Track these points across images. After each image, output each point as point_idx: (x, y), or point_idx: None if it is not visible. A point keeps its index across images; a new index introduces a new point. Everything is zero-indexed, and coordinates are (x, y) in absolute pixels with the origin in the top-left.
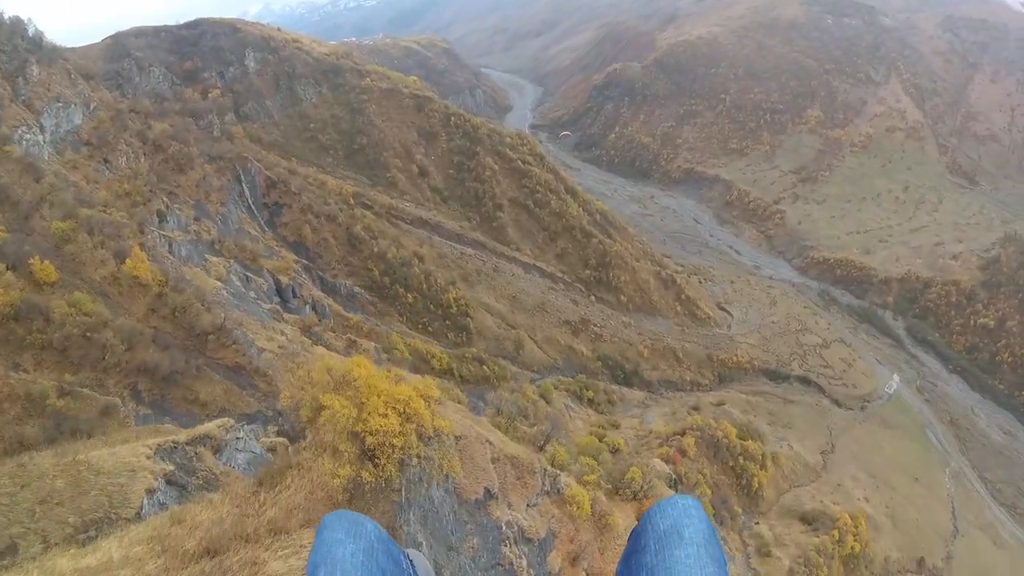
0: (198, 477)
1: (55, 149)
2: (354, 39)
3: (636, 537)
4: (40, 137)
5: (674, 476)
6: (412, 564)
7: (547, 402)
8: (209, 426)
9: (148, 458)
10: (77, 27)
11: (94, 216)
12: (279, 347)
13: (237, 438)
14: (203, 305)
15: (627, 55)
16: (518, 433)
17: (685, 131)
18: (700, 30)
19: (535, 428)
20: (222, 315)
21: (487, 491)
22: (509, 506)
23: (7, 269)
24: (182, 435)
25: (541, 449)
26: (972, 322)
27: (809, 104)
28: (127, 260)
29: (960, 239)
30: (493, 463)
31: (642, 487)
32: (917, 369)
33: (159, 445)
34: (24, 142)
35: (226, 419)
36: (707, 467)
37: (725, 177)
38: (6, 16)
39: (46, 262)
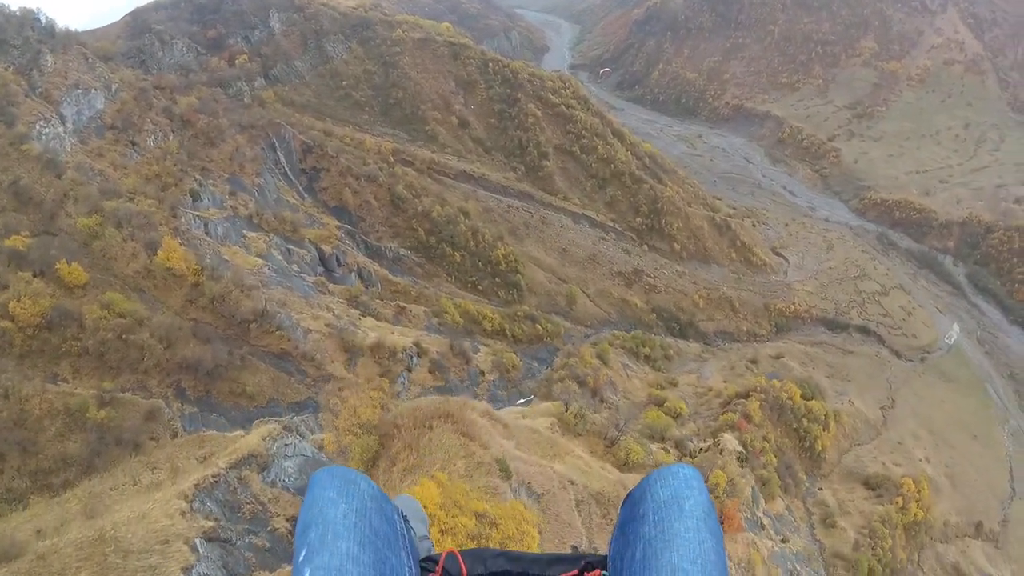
0: (243, 513)
1: (79, 138)
2: None
3: (633, 504)
4: (60, 128)
5: (744, 452)
6: (405, 520)
7: (604, 363)
8: (253, 440)
9: (183, 514)
10: (100, 12)
11: (120, 208)
12: (326, 325)
13: (285, 444)
14: (242, 291)
15: None
16: (587, 425)
17: (732, 65)
18: None
19: (604, 416)
20: (263, 299)
21: (574, 548)
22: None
23: (34, 276)
24: (223, 459)
25: (613, 444)
26: None
27: (862, 35)
28: (159, 251)
29: (1023, 181)
30: (577, 507)
31: (725, 491)
32: (978, 319)
33: (198, 485)
34: (44, 136)
35: (272, 426)
36: (771, 431)
37: (776, 113)
38: (13, 9)
39: (74, 264)
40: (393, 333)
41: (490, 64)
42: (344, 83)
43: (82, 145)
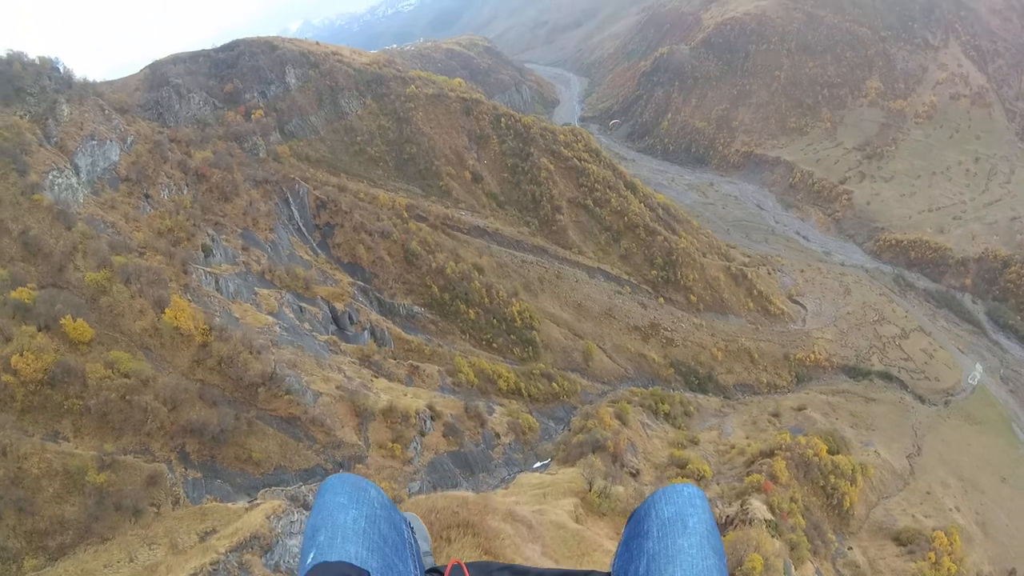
0: None
1: (92, 189)
2: (395, 46)
3: (638, 521)
4: (73, 179)
5: (774, 520)
6: (413, 532)
7: (624, 423)
8: (256, 519)
9: None
10: (120, 63)
11: (129, 263)
12: (337, 387)
13: (291, 521)
14: (251, 352)
15: (672, 38)
16: (612, 503)
17: (740, 112)
18: (746, 5)
19: (628, 488)
20: (272, 361)
21: None
22: None
23: (39, 330)
24: (223, 541)
25: None
26: None
27: (867, 75)
28: (167, 309)
29: None
30: None
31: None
32: (1000, 357)
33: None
34: (56, 187)
35: (276, 502)
36: (798, 490)
37: (786, 158)
38: (32, 57)
39: (79, 320)
40: (406, 395)
41: (502, 118)
42: (358, 138)
43: (95, 196)
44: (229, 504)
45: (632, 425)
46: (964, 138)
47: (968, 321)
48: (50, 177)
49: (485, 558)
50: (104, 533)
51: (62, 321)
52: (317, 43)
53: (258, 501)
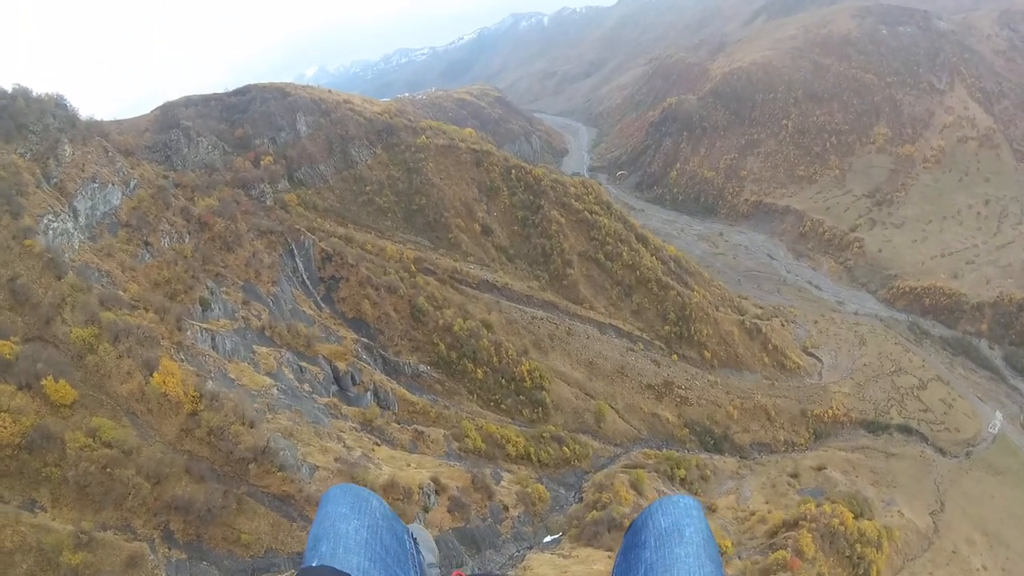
0: None
1: (89, 234)
2: (407, 94)
3: (636, 532)
4: (70, 224)
5: None
6: (416, 543)
7: (639, 492)
8: None
9: None
10: (131, 101)
11: (119, 320)
12: (335, 459)
13: None
14: (243, 423)
15: (680, 88)
16: None
17: (749, 161)
18: (752, 55)
19: None
20: (266, 435)
21: None
22: None
23: (19, 390)
24: None
25: None
26: None
27: (875, 121)
28: (155, 373)
29: None
30: None
31: None
32: (1019, 403)
33: None
34: (51, 231)
35: None
36: (824, 563)
37: (796, 207)
38: (38, 93)
39: (61, 381)
40: (409, 465)
41: (513, 170)
42: (368, 188)
43: (91, 243)
44: None
45: (648, 494)
46: (973, 181)
47: (985, 368)
48: (45, 221)
49: None
50: None
51: (43, 382)
52: (329, 91)
53: None
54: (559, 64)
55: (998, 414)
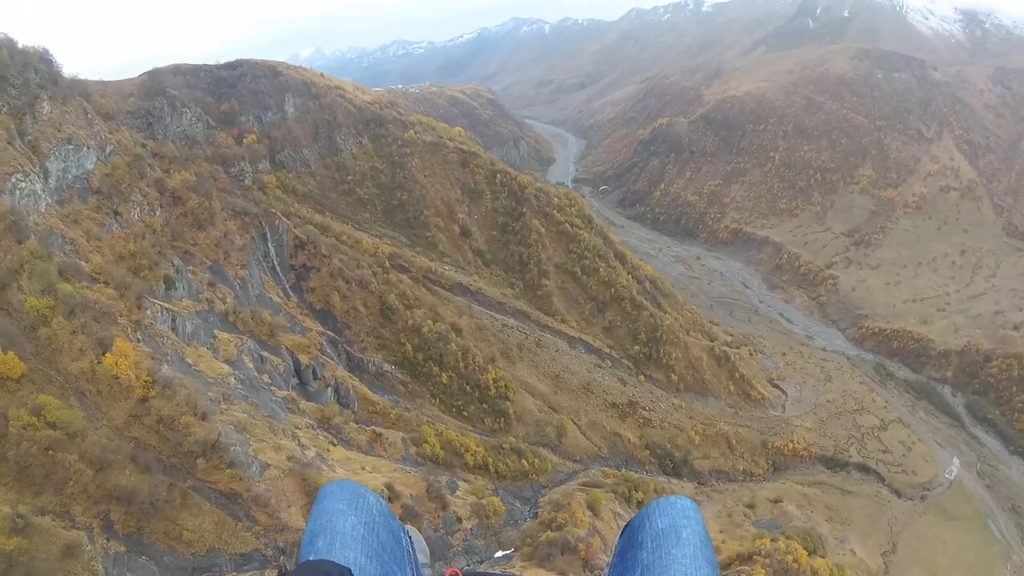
0: None
1: (58, 198)
2: (401, 86)
3: (632, 532)
4: (38, 185)
5: None
6: (411, 541)
7: (596, 514)
8: None
9: None
10: (120, 63)
11: (76, 293)
12: (288, 458)
13: None
14: (195, 415)
15: (672, 110)
16: None
17: (733, 189)
18: (748, 85)
19: None
20: (218, 429)
21: None
22: None
23: None
24: None
25: None
26: None
27: (860, 163)
28: (107, 354)
29: (1021, 307)
30: None
31: None
32: (977, 451)
33: None
34: (17, 192)
35: None
36: None
37: (775, 239)
38: (24, 46)
39: (11, 353)
40: (364, 468)
41: (498, 175)
42: (350, 178)
43: (59, 207)
44: None
45: (604, 516)
46: (952, 230)
47: (947, 414)
48: (13, 180)
49: None
50: None
51: None
52: (322, 74)
53: None
54: (556, 73)
55: (956, 460)
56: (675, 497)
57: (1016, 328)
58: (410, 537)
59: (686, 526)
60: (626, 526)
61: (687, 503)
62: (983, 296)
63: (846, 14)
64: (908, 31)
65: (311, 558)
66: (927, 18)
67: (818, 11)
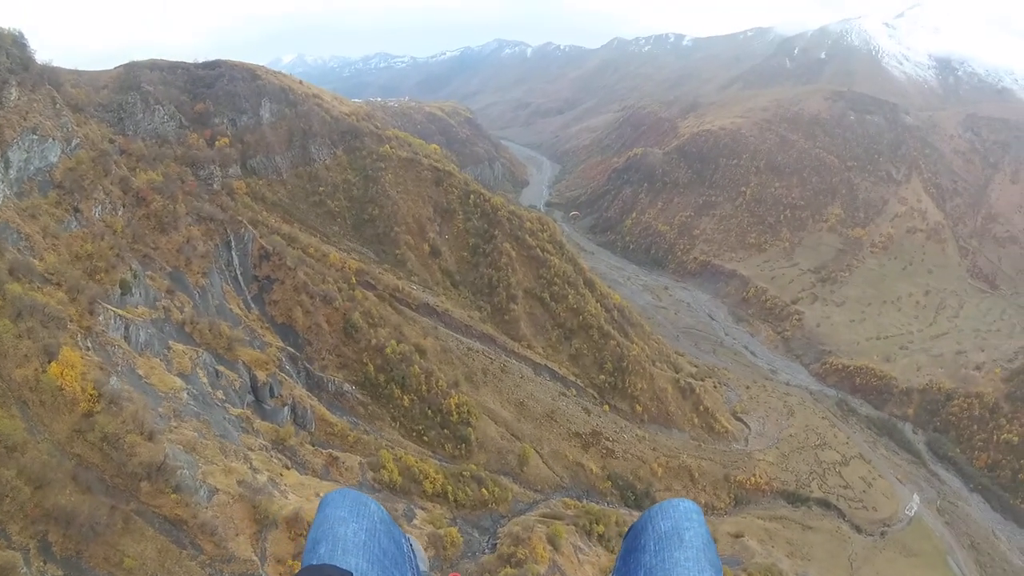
0: None
1: (18, 189)
2: (380, 99)
3: (635, 535)
4: None
5: None
6: (412, 548)
7: (556, 548)
8: None
9: None
10: (99, 53)
11: (24, 296)
12: (239, 483)
13: None
14: (141, 434)
15: (647, 140)
16: None
17: (703, 222)
18: (723, 120)
19: None
20: (164, 451)
21: None
22: None
23: None
24: None
25: None
26: (995, 437)
27: (830, 201)
28: (53, 363)
29: (982, 347)
30: None
31: None
32: (937, 488)
33: None
34: None
35: None
36: None
37: (742, 272)
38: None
39: None
40: (318, 495)
41: (472, 195)
42: (321, 189)
43: (17, 200)
44: None
45: (564, 551)
46: (917, 271)
47: (908, 451)
48: None
49: None
50: None
51: None
52: (301, 81)
53: None
54: (535, 96)
55: (916, 497)
56: (678, 500)
57: (978, 368)
58: (411, 544)
59: (689, 528)
60: (629, 529)
61: (690, 505)
62: (946, 336)
63: (823, 56)
64: (882, 75)
65: (313, 563)
66: (901, 63)
67: (796, 51)
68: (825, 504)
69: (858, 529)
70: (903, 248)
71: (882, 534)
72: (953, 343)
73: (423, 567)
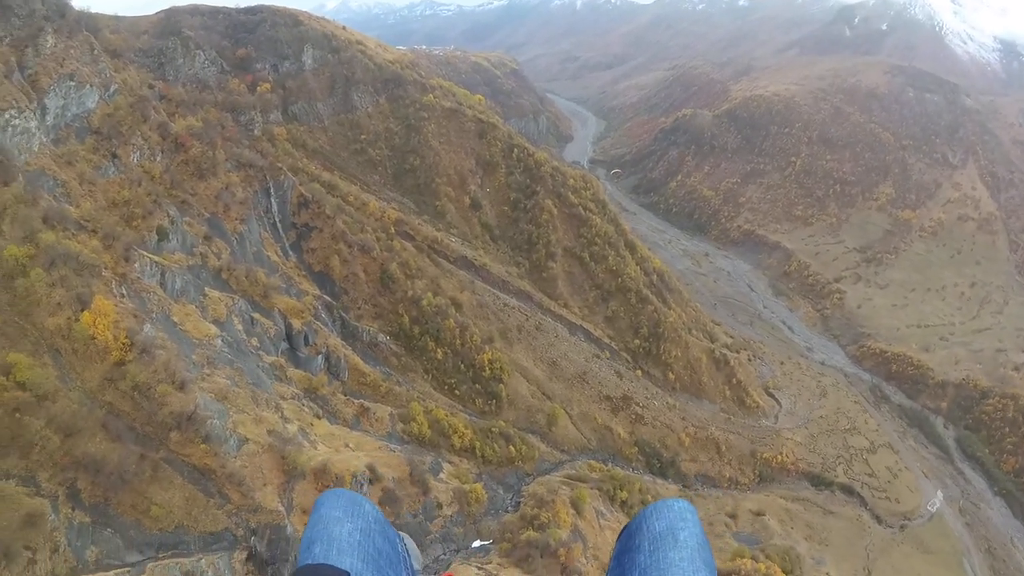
0: None
1: (55, 136)
2: (424, 47)
3: (630, 535)
4: (33, 123)
5: None
6: (407, 548)
7: (579, 512)
8: None
9: None
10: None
11: (57, 244)
12: (268, 432)
13: None
14: (173, 383)
15: (697, 102)
16: None
17: (749, 190)
18: (776, 86)
19: None
20: (195, 400)
21: None
22: None
23: None
24: None
25: None
26: None
27: (881, 180)
28: (85, 312)
29: (1023, 348)
30: None
31: None
32: (962, 487)
33: None
34: (10, 129)
35: None
36: None
37: (786, 245)
38: None
39: None
40: (348, 446)
41: (515, 149)
42: (363, 137)
43: (53, 147)
44: (115, 570)
45: (587, 515)
46: (965, 261)
47: (937, 445)
48: (6, 116)
49: None
50: None
51: None
52: (344, 28)
53: None
54: (583, 50)
55: (939, 494)
56: (672, 500)
57: (1016, 368)
58: (405, 544)
59: (683, 529)
60: (623, 529)
61: (684, 505)
62: (988, 331)
63: (884, 27)
64: (944, 53)
65: (309, 563)
66: (965, 43)
67: (856, 20)
68: (848, 490)
69: (879, 519)
70: (952, 235)
71: (902, 527)
72: (994, 340)
73: (417, 566)
